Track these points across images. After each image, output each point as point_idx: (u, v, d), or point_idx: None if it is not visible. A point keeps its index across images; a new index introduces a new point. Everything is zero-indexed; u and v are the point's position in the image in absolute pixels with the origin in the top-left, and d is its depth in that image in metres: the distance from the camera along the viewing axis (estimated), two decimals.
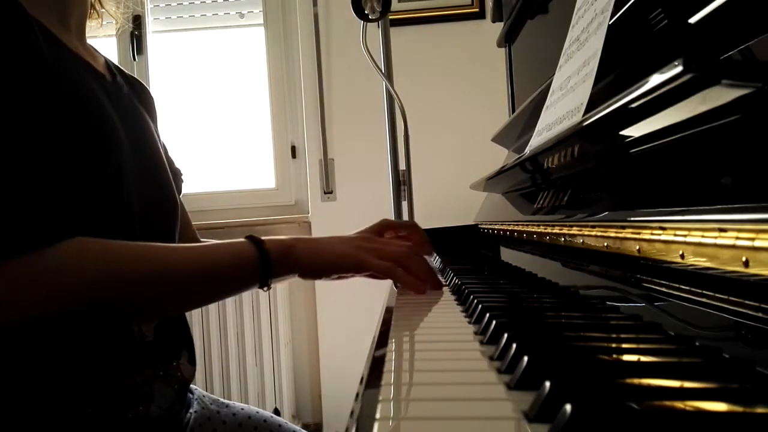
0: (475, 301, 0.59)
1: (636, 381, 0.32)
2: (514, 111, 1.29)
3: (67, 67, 0.66)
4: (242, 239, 0.68)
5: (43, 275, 0.54)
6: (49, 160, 0.58)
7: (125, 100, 0.77)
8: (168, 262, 0.62)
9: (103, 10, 0.83)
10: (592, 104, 0.58)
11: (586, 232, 0.54)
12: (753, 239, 0.30)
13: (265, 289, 0.69)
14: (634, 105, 0.43)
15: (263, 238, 0.69)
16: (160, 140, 0.87)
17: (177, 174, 0.91)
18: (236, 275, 0.67)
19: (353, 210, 2.17)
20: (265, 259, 0.67)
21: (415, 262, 0.74)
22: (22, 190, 0.54)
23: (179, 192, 0.90)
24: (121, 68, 0.84)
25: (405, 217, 1.68)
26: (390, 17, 1.66)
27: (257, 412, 0.88)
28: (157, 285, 0.61)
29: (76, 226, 0.60)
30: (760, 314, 0.32)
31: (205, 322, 2.08)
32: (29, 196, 0.55)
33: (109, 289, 0.58)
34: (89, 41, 0.79)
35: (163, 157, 0.82)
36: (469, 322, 0.55)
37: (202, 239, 0.96)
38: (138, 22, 2.25)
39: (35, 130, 0.57)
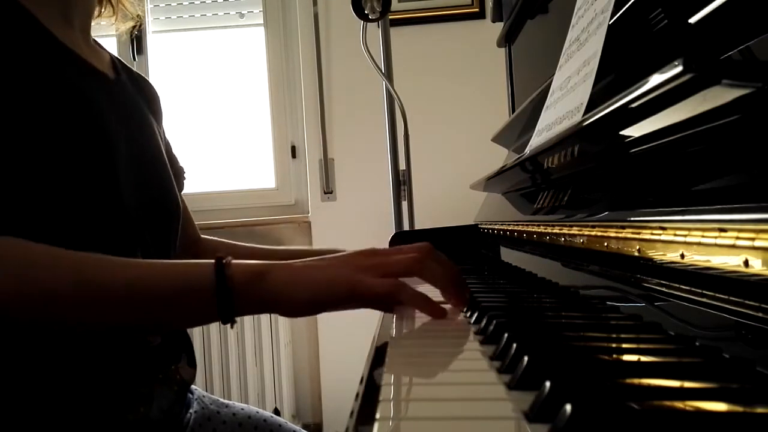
0: (476, 300, 0.59)
1: (636, 381, 0.32)
2: (514, 111, 1.29)
3: (55, 64, 0.65)
4: (211, 260, 0.55)
5: None
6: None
7: (128, 100, 0.77)
8: (94, 275, 0.53)
9: (121, 6, 0.83)
10: (592, 104, 0.58)
11: (586, 232, 0.54)
12: (753, 239, 0.30)
13: (230, 326, 0.55)
14: (634, 105, 0.43)
15: (238, 262, 0.55)
16: (164, 139, 0.87)
17: (179, 173, 0.91)
18: (185, 302, 0.55)
19: (353, 210, 2.16)
20: (223, 287, 0.53)
21: (430, 269, 0.58)
22: None
23: (181, 190, 0.90)
24: (128, 66, 0.84)
25: (405, 217, 1.68)
26: (390, 17, 1.66)
27: (257, 412, 0.88)
28: (77, 299, 0.52)
29: (64, 224, 0.59)
30: (760, 314, 0.32)
31: None
32: None
33: (18, 294, 0.50)
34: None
35: (165, 157, 0.81)
36: (469, 322, 0.55)
37: (203, 236, 0.97)
38: (138, 22, 2.25)
39: None
